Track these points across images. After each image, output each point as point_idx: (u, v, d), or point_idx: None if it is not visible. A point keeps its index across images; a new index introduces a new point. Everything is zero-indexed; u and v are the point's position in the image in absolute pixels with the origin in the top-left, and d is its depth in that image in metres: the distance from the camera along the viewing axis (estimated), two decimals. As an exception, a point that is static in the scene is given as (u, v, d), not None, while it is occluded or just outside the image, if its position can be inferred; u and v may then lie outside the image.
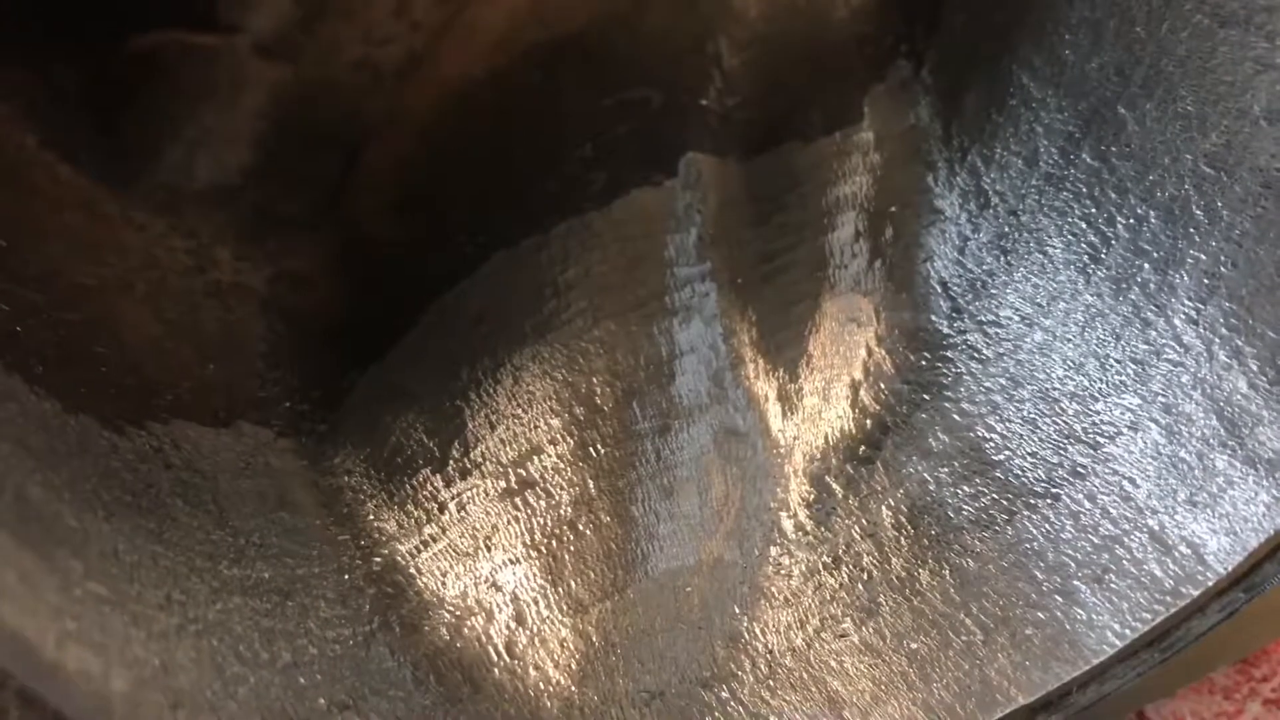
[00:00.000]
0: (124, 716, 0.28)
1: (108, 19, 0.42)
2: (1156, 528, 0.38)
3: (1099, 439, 0.40)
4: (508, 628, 0.40)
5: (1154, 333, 0.39)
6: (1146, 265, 0.40)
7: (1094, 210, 0.41)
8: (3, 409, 0.34)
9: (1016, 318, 0.42)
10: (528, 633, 0.40)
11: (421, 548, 0.41)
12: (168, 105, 0.44)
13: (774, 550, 0.42)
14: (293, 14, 0.45)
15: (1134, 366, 0.40)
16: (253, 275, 0.45)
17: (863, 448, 0.43)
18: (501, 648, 0.40)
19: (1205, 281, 0.38)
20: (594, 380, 0.44)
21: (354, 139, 0.47)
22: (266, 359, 0.46)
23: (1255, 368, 0.36)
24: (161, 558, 0.36)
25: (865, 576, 0.41)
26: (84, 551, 0.33)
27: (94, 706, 0.28)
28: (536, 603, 0.40)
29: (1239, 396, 0.37)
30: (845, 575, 0.42)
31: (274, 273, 0.45)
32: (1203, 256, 0.38)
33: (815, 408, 0.44)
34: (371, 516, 0.42)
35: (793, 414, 0.44)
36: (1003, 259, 0.44)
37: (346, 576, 0.40)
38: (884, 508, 0.42)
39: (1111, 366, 0.40)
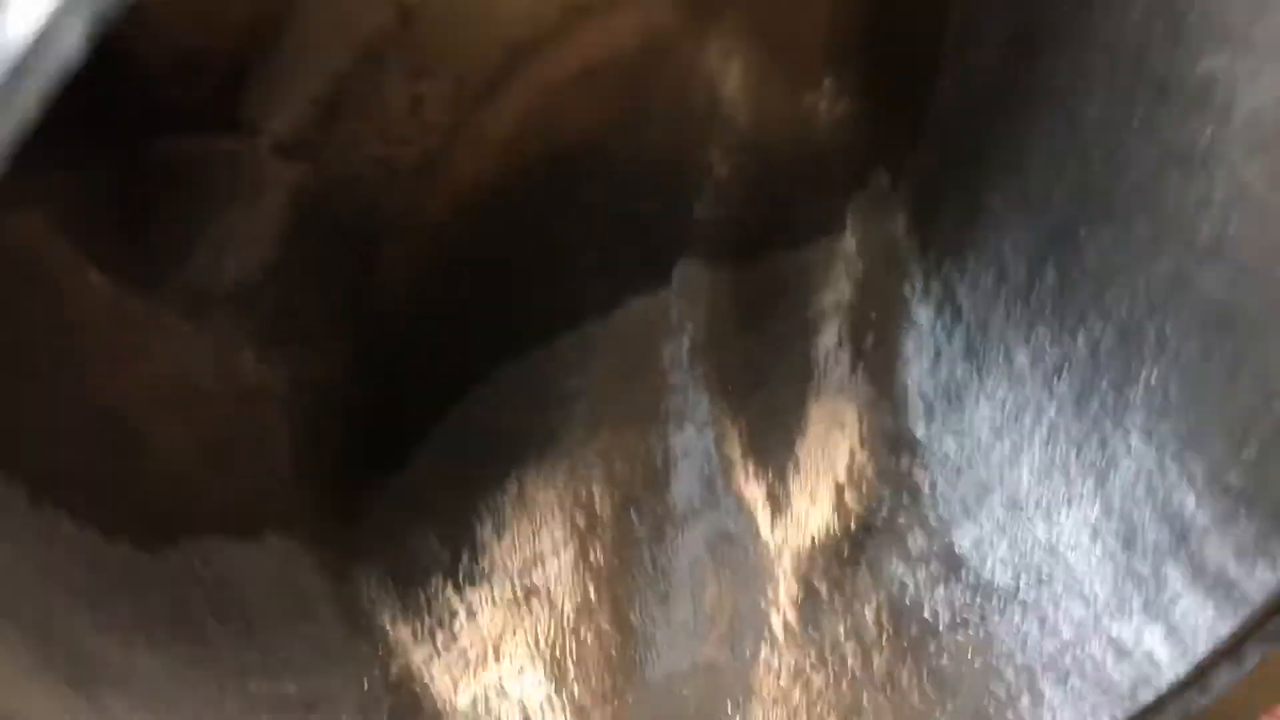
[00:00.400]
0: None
1: (133, 122, 0.46)
2: (1114, 633, 0.41)
3: (1061, 547, 0.42)
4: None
5: (1112, 447, 0.42)
6: (1104, 382, 0.43)
7: (1058, 326, 0.44)
8: (51, 552, 0.37)
9: (986, 427, 0.45)
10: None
11: (435, 655, 0.45)
12: (192, 207, 0.47)
13: (764, 651, 0.46)
14: (310, 115, 0.48)
15: (1094, 478, 0.42)
16: (275, 379, 0.48)
17: (847, 549, 0.46)
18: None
19: (1157, 400, 0.41)
20: (594, 489, 0.48)
21: (373, 235, 0.50)
22: (292, 469, 0.49)
23: (1202, 484, 0.39)
24: (197, 683, 0.39)
25: (849, 676, 0.44)
26: (127, 688, 0.36)
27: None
28: (542, 708, 0.44)
29: (1188, 510, 0.40)
30: (831, 674, 0.45)
31: (295, 377, 0.48)
32: (1154, 376, 0.41)
33: (803, 510, 0.48)
34: (388, 626, 0.45)
35: (781, 516, 0.48)
36: (974, 369, 0.47)
37: (366, 687, 0.43)
38: (867, 608, 0.45)
39: (1074, 479, 0.43)
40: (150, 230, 0.47)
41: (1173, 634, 0.39)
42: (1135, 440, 0.41)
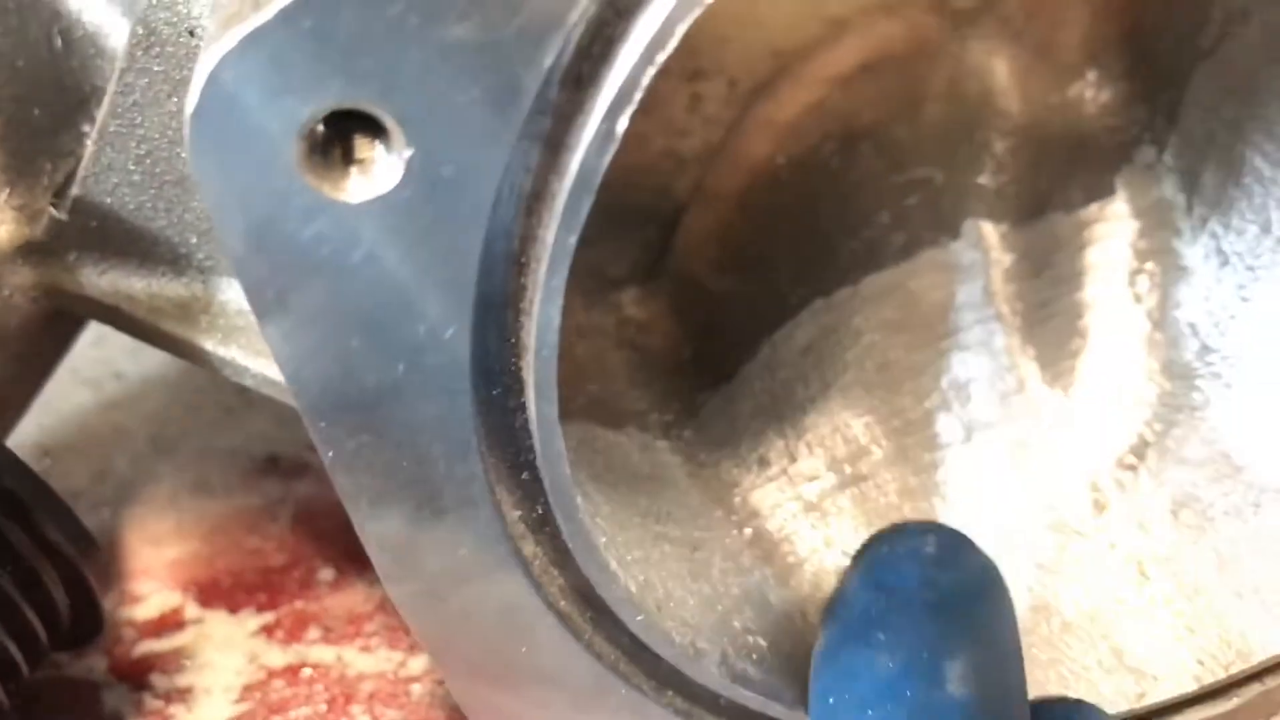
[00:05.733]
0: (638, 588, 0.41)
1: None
2: None
3: None
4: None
5: None
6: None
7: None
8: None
9: (1257, 350, 0.53)
10: (871, 590, 0.51)
11: (781, 527, 0.53)
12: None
13: (1059, 539, 0.53)
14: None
15: None
16: (601, 320, 0.57)
17: (1130, 458, 0.54)
18: (853, 600, 0.51)
19: None
20: (906, 399, 0.56)
21: (667, 213, 0.59)
22: (629, 382, 0.57)
23: None
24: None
25: (1137, 558, 0.52)
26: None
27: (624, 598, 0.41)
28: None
29: None
30: (1120, 557, 0.52)
31: (618, 319, 0.57)
32: None
33: (1087, 427, 0.55)
34: (739, 500, 0.54)
35: (1069, 430, 0.55)
36: (1243, 305, 0.54)
37: (728, 541, 0.52)
38: (1149, 505, 0.53)
39: None
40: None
41: None
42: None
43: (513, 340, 0.38)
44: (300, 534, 0.68)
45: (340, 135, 0.32)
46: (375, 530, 0.39)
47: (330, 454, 0.37)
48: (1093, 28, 0.57)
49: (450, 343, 0.36)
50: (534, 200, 0.36)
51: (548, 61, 0.32)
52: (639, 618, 0.42)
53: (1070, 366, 0.56)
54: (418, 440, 0.37)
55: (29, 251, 0.53)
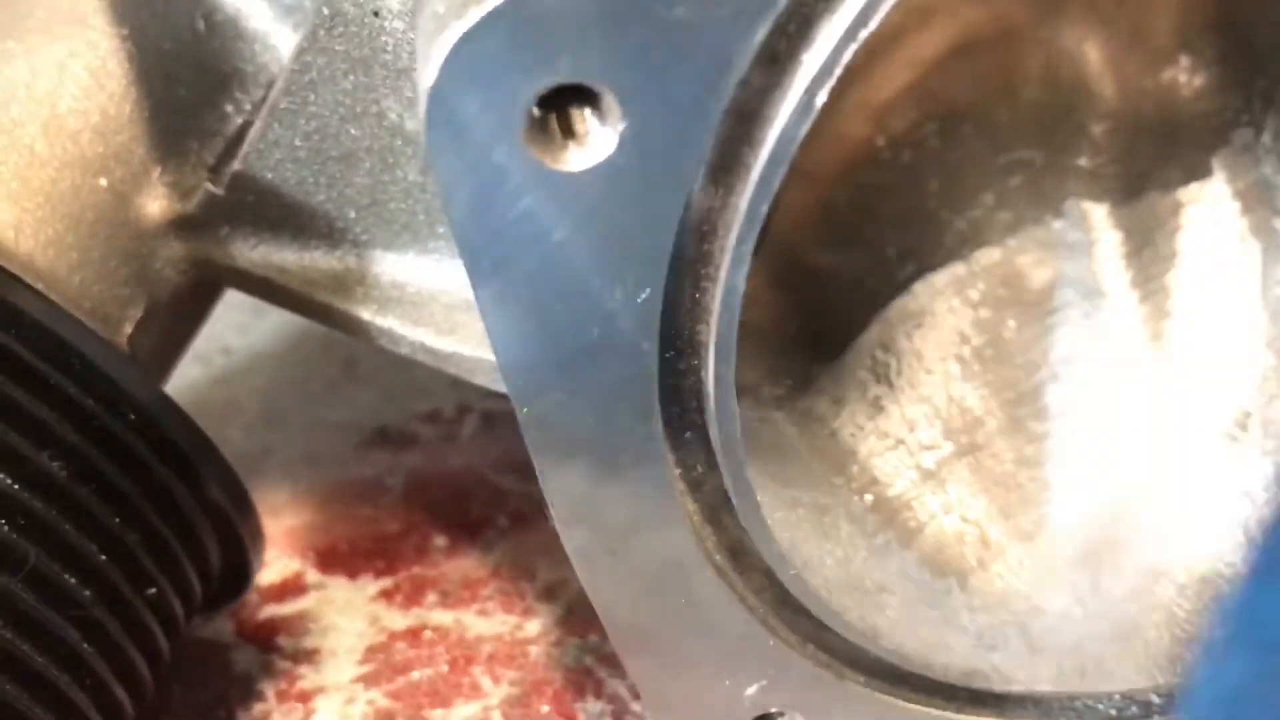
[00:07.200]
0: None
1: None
2: None
3: None
4: (976, 548, 0.54)
5: None
6: None
7: None
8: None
9: None
10: (991, 552, 0.54)
11: (901, 494, 0.55)
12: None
13: (1166, 506, 0.56)
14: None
15: None
16: None
17: (1233, 430, 0.56)
18: (974, 562, 0.53)
19: None
20: (1017, 372, 0.58)
21: None
22: (740, 354, 0.60)
23: None
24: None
25: (1242, 525, 0.54)
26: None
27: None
28: (993, 532, 0.54)
29: None
30: (1225, 526, 0.55)
31: None
32: None
33: (1191, 400, 0.58)
34: (857, 468, 0.56)
35: (1173, 404, 0.58)
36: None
37: (852, 507, 0.54)
38: (1253, 476, 0.55)
39: None
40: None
41: None
42: None
43: (691, 307, 0.41)
44: (412, 504, 0.70)
45: (556, 108, 0.35)
46: (558, 483, 0.41)
47: (525, 410, 0.39)
48: (1184, 14, 0.59)
49: (643, 307, 0.38)
50: (721, 171, 0.38)
51: (759, 39, 0.34)
52: (792, 572, 0.44)
53: (1174, 340, 0.59)
54: (605, 399, 0.39)
55: (180, 226, 0.55)
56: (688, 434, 0.44)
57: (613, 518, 0.42)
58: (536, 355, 0.38)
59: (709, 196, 0.38)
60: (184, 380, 0.77)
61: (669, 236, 0.37)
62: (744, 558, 0.46)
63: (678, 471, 0.44)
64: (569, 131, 0.35)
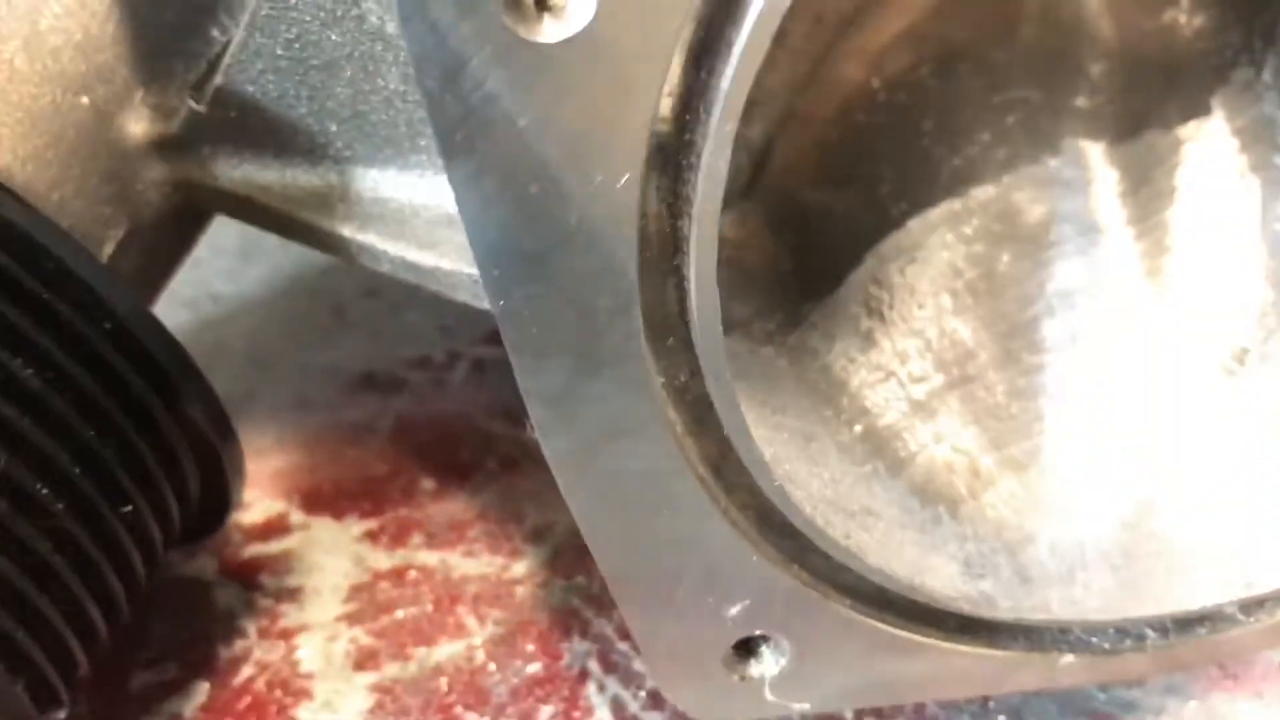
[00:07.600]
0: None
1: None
2: None
3: None
4: (967, 478, 0.53)
5: None
6: None
7: None
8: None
9: None
10: (982, 482, 0.53)
11: (891, 424, 0.54)
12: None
13: (1161, 440, 0.55)
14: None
15: None
16: None
17: (1231, 364, 0.55)
18: (964, 490, 0.52)
19: None
20: (1010, 305, 0.57)
21: (756, 140, 0.60)
22: (728, 294, 0.59)
23: None
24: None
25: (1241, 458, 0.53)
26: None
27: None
28: (984, 462, 0.53)
29: None
30: (1223, 458, 0.54)
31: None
32: None
33: (1189, 334, 0.57)
34: (847, 400, 0.55)
35: (1171, 337, 0.57)
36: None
37: (841, 437, 0.53)
38: (1251, 410, 0.54)
39: None
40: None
41: None
42: None
43: (671, 200, 0.40)
44: (400, 447, 0.70)
45: (533, -22, 0.34)
46: (536, 384, 0.40)
47: (501, 303, 0.38)
48: (1185, -50, 0.58)
49: (621, 193, 0.37)
50: (702, 52, 0.37)
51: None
52: (775, 481, 0.44)
53: (1172, 276, 0.58)
54: (583, 292, 0.39)
55: (163, 146, 0.54)
56: (670, 340, 0.43)
57: (592, 421, 0.41)
58: (512, 242, 0.37)
59: (690, 78, 0.37)
60: (172, 325, 0.76)
61: (648, 116, 0.36)
62: (727, 472, 0.45)
63: (660, 380, 0.43)
64: (544, 5, 0.34)
